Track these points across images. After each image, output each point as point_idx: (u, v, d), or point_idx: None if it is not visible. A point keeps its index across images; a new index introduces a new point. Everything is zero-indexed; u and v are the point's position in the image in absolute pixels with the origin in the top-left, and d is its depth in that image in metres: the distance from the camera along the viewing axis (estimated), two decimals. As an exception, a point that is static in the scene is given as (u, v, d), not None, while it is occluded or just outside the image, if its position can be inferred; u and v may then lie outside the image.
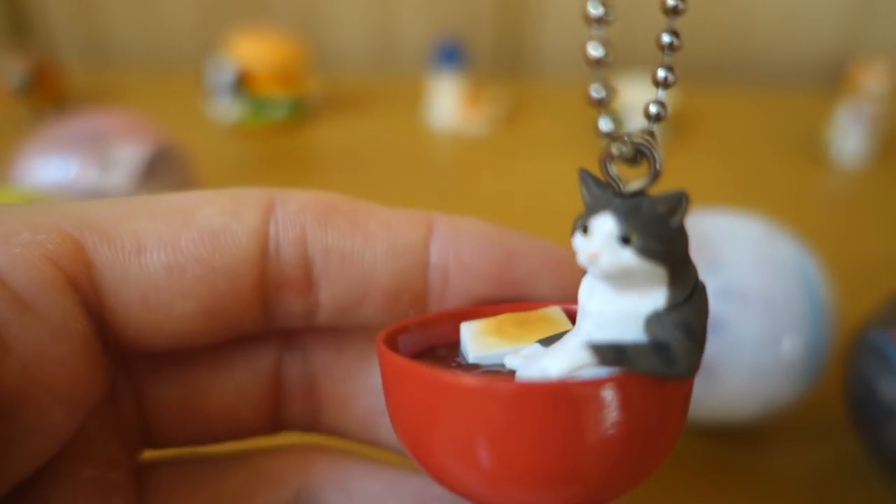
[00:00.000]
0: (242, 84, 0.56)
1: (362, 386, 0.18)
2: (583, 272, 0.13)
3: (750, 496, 0.26)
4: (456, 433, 0.12)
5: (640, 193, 0.12)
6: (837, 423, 0.29)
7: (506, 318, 0.15)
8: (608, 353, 0.11)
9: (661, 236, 0.11)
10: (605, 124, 0.12)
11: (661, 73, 0.12)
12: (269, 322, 0.16)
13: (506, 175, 0.52)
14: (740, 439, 0.28)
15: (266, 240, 0.15)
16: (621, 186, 0.12)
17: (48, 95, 0.58)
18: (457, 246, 0.16)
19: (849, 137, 0.53)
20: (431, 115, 0.59)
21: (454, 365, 0.14)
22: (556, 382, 0.11)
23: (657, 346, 0.12)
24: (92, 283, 0.14)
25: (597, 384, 0.11)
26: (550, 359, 0.12)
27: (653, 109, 0.12)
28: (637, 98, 0.52)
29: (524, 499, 0.12)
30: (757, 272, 0.25)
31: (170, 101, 0.61)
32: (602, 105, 0.12)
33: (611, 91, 0.12)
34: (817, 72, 0.70)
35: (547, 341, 0.14)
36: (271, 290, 0.16)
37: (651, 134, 0.12)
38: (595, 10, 0.12)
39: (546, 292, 0.16)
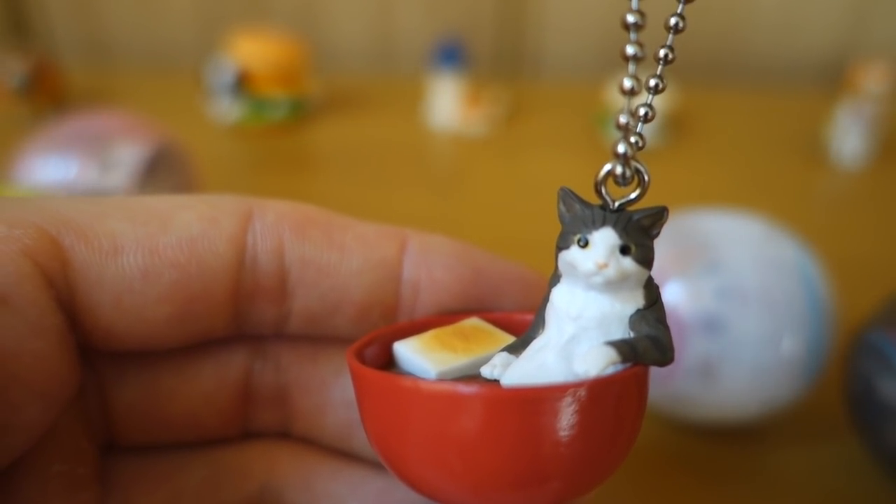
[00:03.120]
0: (242, 84, 0.56)
1: (337, 398, 0.18)
2: (541, 288, 0.15)
3: (750, 496, 0.26)
4: (441, 444, 0.12)
5: (623, 209, 0.13)
6: (837, 423, 0.29)
7: (439, 334, 0.15)
8: (626, 349, 0.13)
9: (648, 246, 0.13)
10: (622, 147, 0.13)
11: (652, 82, 0.13)
12: (240, 328, 0.16)
13: (505, 175, 0.52)
14: (740, 439, 0.28)
15: (243, 249, 0.15)
16: (610, 204, 0.13)
17: (48, 95, 0.58)
18: (428, 262, 0.17)
19: (849, 137, 0.53)
20: (431, 115, 0.59)
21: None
22: (595, 380, 0.12)
23: (651, 340, 0.13)
24: (67, 281, 0.14)
25: (622, 379, 0.13)
26: (578, 361, 0.13)
27: (642, 111, 0.13)
28: (636, 98, 0.52)
29: (511, 500, 0.13)
30: (757, 272, 0.25)
31: (170, 101, 0.61)
32: (627, 130, 0.13)
33: (637, 116, 0.13)
34: (817, 72, 0.70)
35: (512, 349, 0.15)
36: (245, 299, 0.16)
37: (640, 137, 0.13)
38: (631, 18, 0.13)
39: (508, 307, 0.17)
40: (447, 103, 0.58)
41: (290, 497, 0.18)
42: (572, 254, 0.13)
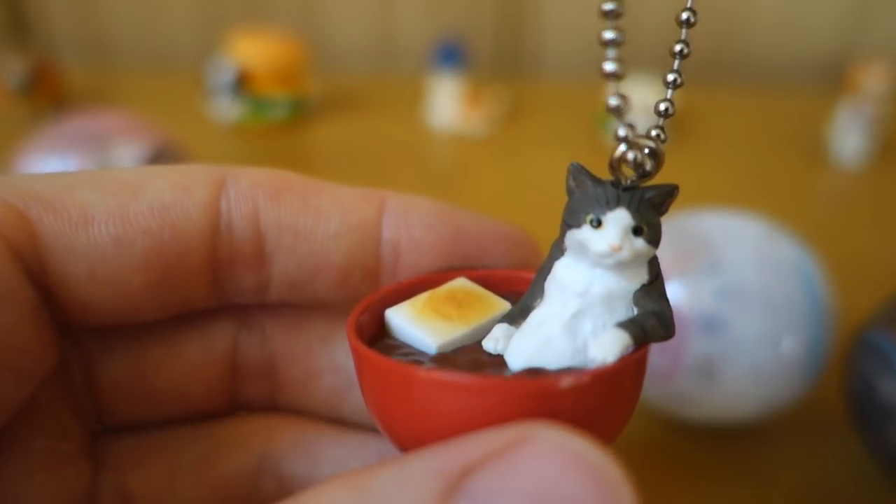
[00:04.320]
0: (242, 84, 0.56)
1: (325, 364, 0.18)
2: (527, 246, 0.16)
3: (750, 496, 0.26)
4: (459, 428, 0.12)
5: (635, 186, 0.13)
6: (837, 423, 0.29)
7: (431, 300, 0.15)
8: (638, 332, 0.13)
9: (658, 225, 0.13)
10: (622, 130, 0.13)
11: (670, 77, 0.13)
12: (221, 297, 0.16)
13: (506, 174, 0.52)
14: (740, 439, 0.28)
15: (217, 215, 0.15)
16: (623, 181, 0.13)
17: (48, 95, 0.58)
18: (408, 222, 0.16)
19: (849, 137, 0.53)
20: (431, 115, 0.59)
21: (425, 361, 0.14)
22: (612, 366, 0.13)
23: (657, 317, 0.13)
24: (37, 254, 0.14)
25: (635, 362, 0.13)
26: (594, 348, 0.13)
27: (662, 107, 0.13)
28: (638, 98, 0.52)
29: None
30: (757, 272, 0.25)
31: (170, 101, 0.61)
32: (619, 112, 0.13)
33: (626, 99, 0.13)
34: (817, 72, 0.70)
35: (511, 319, 0.14)
36: (223, 266, 0.16)
37: (662, 130, 0.13)
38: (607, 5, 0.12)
39: (492, 266, 0.17)
40: (447, 103, 0.58)
41: (289, 466, 0.18)
42: (584, 233, 0.13)
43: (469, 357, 0.14)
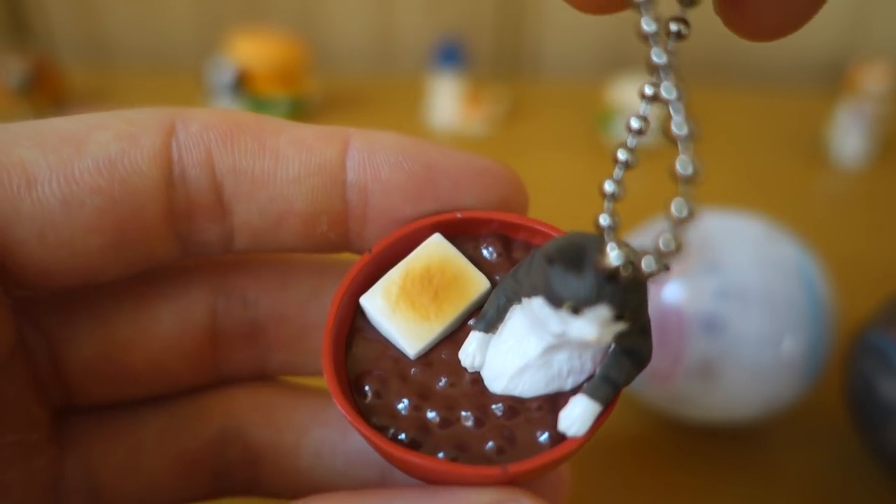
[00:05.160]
0: (242, 84, 0.56)
1: (317, 318, 0.17)
2: (506, 180, 0.15)
3: (750, 496, 0.26)
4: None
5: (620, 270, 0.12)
6: (837, 423, 0.29)
7: (405, 286, 0.15)
8: (609, 391, 0.13)
9: (641, 301, 0.12)
10: (615, 256, 0.12)
11: (648, 90, 0.13)
12: (185, 251, 0.15)
13: (506, 175, 0.51)
14: (740, 439, 0.28)
15: (169, 164, 0.14)
16: (611, 264, 0.12)
17: (48, 95, 0.58)
18: (374, 162, 0.15)
19: (849, 137, 0.53)
20: (431, 114, 0.59)
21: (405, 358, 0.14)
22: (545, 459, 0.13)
23: (630, 357, 0.13)
24: None
25: (601, 422, 0.13)
26: (563, 422, 0.13)
27: (634, 125, 0.13)
28: (636, 98, 0.52)
29: None
30: (757, 272, 0.25)
31: (170, 101, 0.60)
32: (612, 231, 0.12)
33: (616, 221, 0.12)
34: (817, 72, 0.70)
35: (486, 326, 0.14)
36: (181, 218, 0.15)
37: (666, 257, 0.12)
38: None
39: (468, 205, 0.15)
40: (447, 103, 0.58)
41: (253, 434, 0.18)
42: (561, 315, 0.12)
43: (447, 379, 0.14)
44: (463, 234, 0.15)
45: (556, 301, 0.12)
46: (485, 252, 0.15)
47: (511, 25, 0.71)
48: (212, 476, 0.18)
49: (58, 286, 0.14)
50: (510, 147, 0.56)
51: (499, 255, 0.15)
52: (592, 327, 0.12)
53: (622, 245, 0.12)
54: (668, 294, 0.26)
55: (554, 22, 0.70)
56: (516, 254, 0.15)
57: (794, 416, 0.29)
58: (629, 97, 0.52)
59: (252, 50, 0.56)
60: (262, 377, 0.18)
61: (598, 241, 0.12)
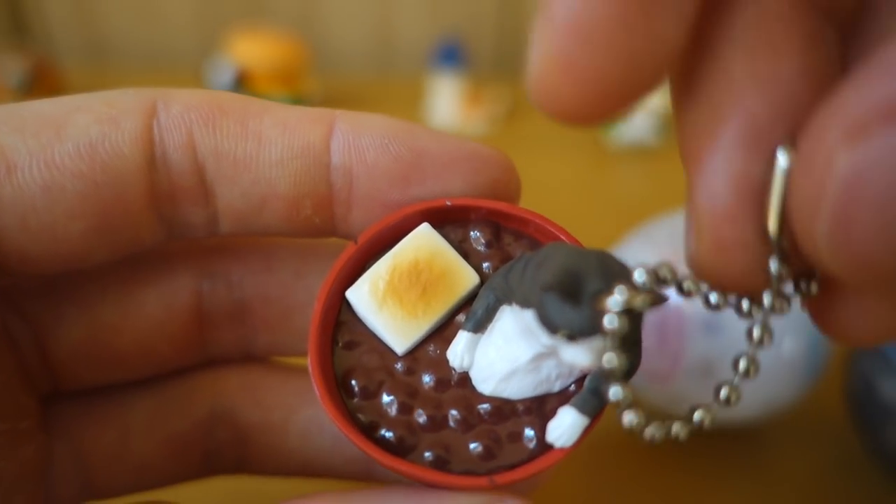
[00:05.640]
0: (242, 84, 0.56)
1: (302, 299, 0.17)
2: (495, 164, 0.15)
3: (750, 496, 0.26)
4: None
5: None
6: (837, 423, 0.29)
7: (392, 280, 0.14)
8: (596, 404, 0.13)
9: (635, 331, 0.13)
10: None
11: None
12: (170, 234, 0.15)
13: (506, 175, 0.51)
14: (740, 439, 0.28)
15: (151, 147, 0.14)
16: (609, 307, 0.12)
17: (48, 95, 0.58)
18: (360, 144, 0.15)
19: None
20: (431, 114, 0.59)
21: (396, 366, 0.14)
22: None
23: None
24: None
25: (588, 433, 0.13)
26: (551, 433, 0.13)
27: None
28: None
29: None
30: (757, 272, 0.25)
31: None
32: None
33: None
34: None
35: (475, 325, 0.14)
36: (164, 201, 0.15)
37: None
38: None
39: (457, 189, 0.15)
40: (447, 103, 0.58)
41: (242, 415, 0.18)
42: (557, 340, 0.12)
43: (435, 377, 0.14)
44: (451, 220, 0.15)
45: (550, 328, 0.12)
46: (473, 240, 0.15)
47: (511, 25, 0.71)
48: (202, 456, 0.18)
49: (41, 272, 0.14)
50: (510, 147, 0.56)
51: (488, 243, 0.15)
52: (587, 355, 0.12)
53: (623, 291, 0.11)
54: (668, 294, 0.26)
55: (554, 22, 0.70)
56: (506, 240, 0.15)
57: (794, 417, 0.29)
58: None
59: (252, 50, 0.56)
60: (250, 358, 0.18)
61: (596, 266, 0.12)
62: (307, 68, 0.60)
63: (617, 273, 0.12)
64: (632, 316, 0.12)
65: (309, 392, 0.18)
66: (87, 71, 0.68)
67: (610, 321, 0.11)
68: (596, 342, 0.12)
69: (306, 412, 0.18)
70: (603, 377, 0.12)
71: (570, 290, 0.11)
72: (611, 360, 0.11)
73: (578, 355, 0.12)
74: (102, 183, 0.14)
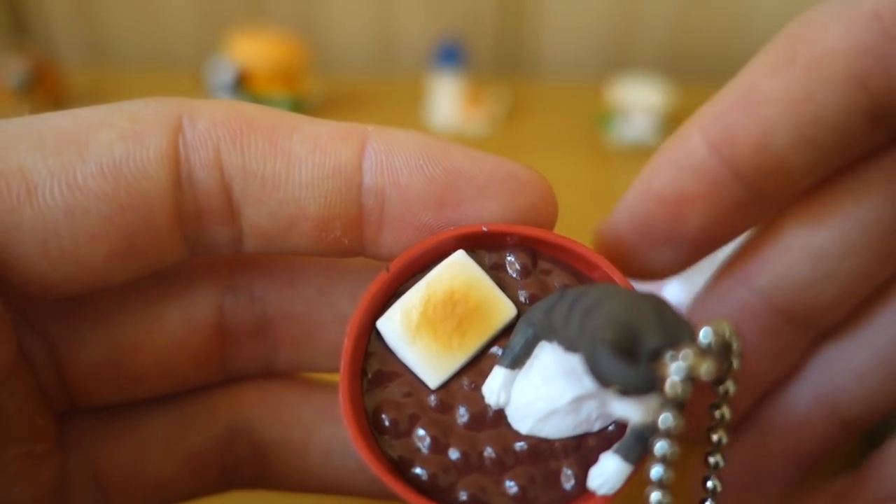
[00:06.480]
0: (242, 84, 0.56)
1: (326, 317, 0.17)
2: (534, 187, 0.14)
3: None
4: None
5: None
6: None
7: (426, 312, 0.14)
8: (640, 451, 0.13)
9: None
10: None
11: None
12: (193, 253, 0.15)
13: (506, 175, 0.51)
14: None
15: (177, 166, 0.13)
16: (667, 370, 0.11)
17: (48, 95, 0.58)
18: (393, 165, 0.14)
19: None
20: (431, 114, 0.59)
21: (426, 408, 0.14)
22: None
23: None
24: None
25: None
26: (594, 480, 0.13)
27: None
28: (637, 98, 0.52)
29: None
30: (757, 272, 0.25)
31: (170, 101, 0.61)
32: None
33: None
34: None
35: (511, 360, 0.13)
36: (189, 221, 0.14)
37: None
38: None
39: (493, 213, 0.14)
40: (447, 103, 0.58)
41: (261, 431, 0.17)
42: (607, 394, 0.11)
43: (470, 413, 0.14)
44: (486, 244, 0.15)
45: (603, 381, 0.11)
46: (509, 266, 0.15)
47: (511, 25, 0.71)
48: (220, 473, 0.17)
49: (61, 295, 0.14)
50: (510, 147, 0.56)
51: (524, 270, 0.14)
52: (639, 412, 0.11)
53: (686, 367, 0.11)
54: (669, 294, 0.26)
55: (554, 22, 0.70)
56: (542, 267, 0.15)
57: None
58: (629, 97, 0.52)
59: (252, 50, 0.56)
60: (270, 375, 0.18)
61: (653, 320, 0.11)
62: (307, 68, 0.60)
63: (674, 326, 0.11)
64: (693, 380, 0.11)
65: (331, 408, 0.17)
66: (88, 71, 0.68)
67: (672, 387, 0.11)
68: (651, 400, 0.11)
69: (328, 429, 0.17)
70: (652, 430, 0.12)
71: (627, 346, 0.11)
72: (666, 420, 0.11)
73: (631, 411, 0.11)
74: (127, 205, 0.13)
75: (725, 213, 0.16)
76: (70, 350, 0.16)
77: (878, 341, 0.17)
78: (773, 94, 0.15)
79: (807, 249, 0.16)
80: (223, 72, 0.55)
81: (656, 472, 0.11)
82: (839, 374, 0.18)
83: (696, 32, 0.67)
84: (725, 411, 0.13)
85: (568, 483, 0.13)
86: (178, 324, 0.16)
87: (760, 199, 0.16)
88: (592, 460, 0.13)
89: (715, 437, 0.13)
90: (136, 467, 0.17)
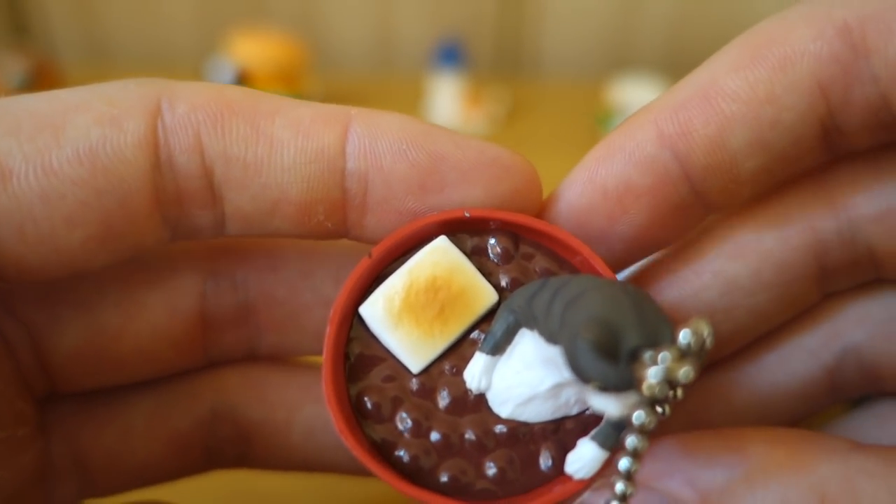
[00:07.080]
0: (242, 83, 0.56)
1: (310, 300, 0.17)
2: (518, 171, 0.14)
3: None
4: None
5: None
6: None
7: (408, 298, 0.14)
8: (616, 437, 0.13)
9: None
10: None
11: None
12: (174, 236, 0.15)
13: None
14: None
15: (156, 150, 0.13)
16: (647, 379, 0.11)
17: (48, 95, 0.58)
18: (376, 149, 0.14)
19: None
20: (431, 114, 0.59)
21: (409, 386, 0.14)
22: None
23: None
24: None
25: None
26: (571, 465, 0.13)
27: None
28: (636, 98, 0.52)
29: None
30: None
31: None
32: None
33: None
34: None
35: (492, 348, 0.14)
36: (169, 205, 0.14)
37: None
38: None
39: (476, 198, 0.14)
40: (447, 103, 0.58)
41: (244, 412, 0.17)
42: (588, 388, 0.12)
43: (451, 396, 0.14)
44: (468, 228, 0.15)
45: (582, 377, 0.11)
46: (490, 250, 0.15)
47: (511, 25, 0.71)
48: (203, 453, 0.18)
49: (39, 279, 0.14)
50: (510, 146, 0.56)
51: (506, 254, 0.15)
52: (617, 407, 0.11)
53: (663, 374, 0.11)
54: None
55: (554, 21, 0.70)
56: (524, 251, 0.15)
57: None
58: (629, 97, 0.52)
59: (252, 50, 0.56)
60: (253, 359, 0.18)
61: (633, 318, 0.11)
62: (307, 68, 0.60)
63: (654, 324, 0.11)
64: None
65: (312, 389, 0.18)
66: (88, 71, 0.68)
67: (648, 388, 0.11)
68: (630, 397, 0.11)
69: (310, 409, 0.18)
70: (627, 422, 0.12)
71: (607, 345, 0.11)
72: (640, 417, 0.11)
73: (608, 405, 0.12)
74: (104, 189, 0.13)
75: (666, 214, 0.15)
76: (51, 335, 0.15)
77: (759, 381, 0.17)
78: (735, 91, 0.14)
79: (721, 276, 0.15)
80: (223, 71, 0.56)
81: (624, 463, 0.11)
82: (715, 406, 0.17)
83: (696, 32, 0.67)
84: (667, 409, 0.12)
85: (546, 465, 0.14)
86: (160, 310, 0.16)
87: (700, 202, 0.15)
88: (570, 443, 0.14)
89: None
90: (120, 450, 0.17)
